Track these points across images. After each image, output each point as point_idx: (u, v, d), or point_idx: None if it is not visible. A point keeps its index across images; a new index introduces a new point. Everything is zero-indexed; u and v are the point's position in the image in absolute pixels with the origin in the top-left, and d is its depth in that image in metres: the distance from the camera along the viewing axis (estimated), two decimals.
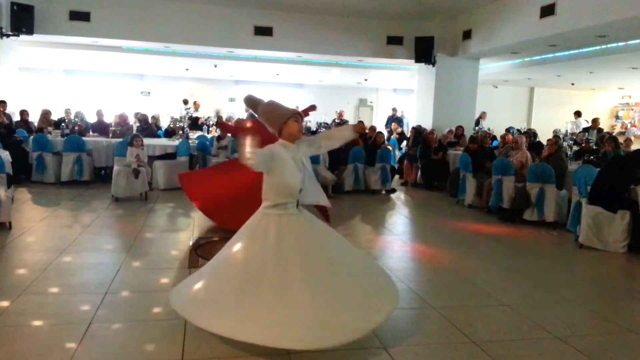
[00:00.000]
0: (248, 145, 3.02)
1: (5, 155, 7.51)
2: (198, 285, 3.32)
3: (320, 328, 3.00)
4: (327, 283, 3.16)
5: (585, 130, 12.54)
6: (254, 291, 3.08)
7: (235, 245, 3.35)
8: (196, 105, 14.73)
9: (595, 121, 13.38)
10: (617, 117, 20.50)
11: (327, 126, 13.40)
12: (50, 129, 10.59)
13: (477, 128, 12.89)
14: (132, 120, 12.02)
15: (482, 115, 15.32)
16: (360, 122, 3.83)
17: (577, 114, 14.83)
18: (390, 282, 3.64)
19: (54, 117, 11.79)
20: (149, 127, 11.43)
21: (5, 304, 3.83)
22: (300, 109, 4.47)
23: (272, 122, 3.41)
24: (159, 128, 12.73)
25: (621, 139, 11.19)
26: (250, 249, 3.28)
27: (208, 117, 13.86)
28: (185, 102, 15.33)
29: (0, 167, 6.12)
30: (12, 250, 5.39)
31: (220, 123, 7.37)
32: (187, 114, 13.42)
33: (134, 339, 3.39)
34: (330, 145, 3.62)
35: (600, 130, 12.84)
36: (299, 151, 3.36)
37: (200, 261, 5.05)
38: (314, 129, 13.19)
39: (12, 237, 5.77)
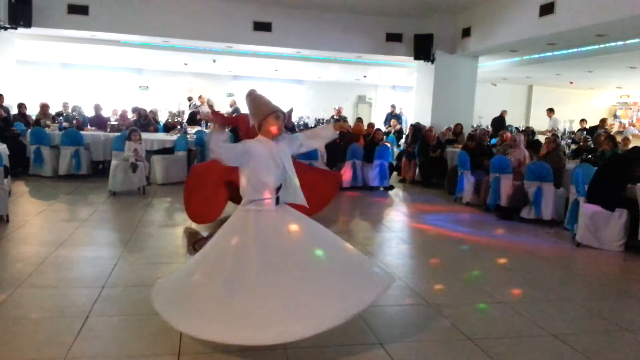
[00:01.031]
0: (218, 140, 3.10)
1: (3, 148, 7.48)
2: (179, 287, 3.28)
3: (299, 319, 2.95)
4: (305, 278, 3.08)
5: (593, 130, 12.50)
6: (232, 291, 3.03)
7: (216, 244, 3.32)
8: (202, 100, 14.71)
9: (603, 121, 13.39)
10: (615, 116, 20.54)
11: (324, 122, 13.40)
12: (48, 122, 10.56)
13: (513, 129, 12.69)
14: (129, 115, 11.99)
15: (504, 113, 15.32)
16: (340, 122, 3.79)
17: (551, 110, 14.87)
18: (377, 272, 3.50)
19: (52, 110, 11.76)
20: (148, 122, 11.35)
21: (2, 297, 3.83)
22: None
23: (253, 115, 3.43)
24: (157, 122, 12.69)
25: (619, 138, 11.21)
26: (229, 247, 3.22)
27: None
28: (190, 98, 15.33)
29: None
30: (9, 243, 5.38)
31: (215, 112, 7.41)
32: (195, 108, 13.40)
33: (131, 333, 3.39)
34: (311, 145, 3.62)
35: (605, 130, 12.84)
36: (277, 148, 3.28)
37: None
38: (313, 125, 13.18)
39: (9, 231, 5.76)
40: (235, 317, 2.94)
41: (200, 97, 14.97)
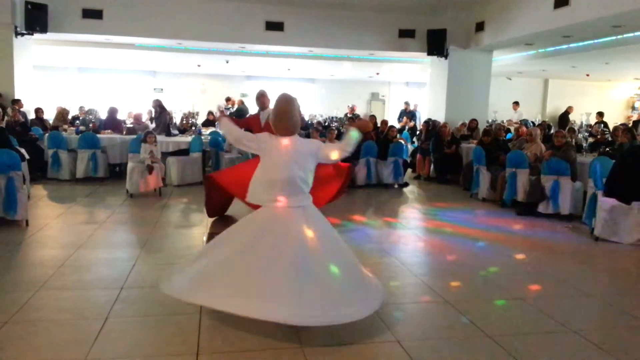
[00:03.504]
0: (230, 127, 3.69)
1: (23, 152, 7.58)
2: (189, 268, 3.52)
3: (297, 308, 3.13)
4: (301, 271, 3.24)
5: None
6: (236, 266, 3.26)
7: (231, 231, 3.59)
8: (232, 102, 14.85)
9: None
10: (633, 108, 20.23)
11: (338, 121, 13.39)
12: (65, 126, 10.70)
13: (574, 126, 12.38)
14: (144, 117, 12.07)
15: (570, 109, 15.10)
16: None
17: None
18: (374, 287, 3.63)
19: (69, 115, 11.91)
20: (163, 113, 11.25)
21: (23, 299, 3.89)
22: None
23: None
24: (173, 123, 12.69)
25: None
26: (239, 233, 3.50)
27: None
28: (228, 99, 15.49)
29: (17, 165, 6.18)
30: (29, 246, 5.47)
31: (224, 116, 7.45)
32: (229, 111, 13.52)
33: (150, 334, 3.42)
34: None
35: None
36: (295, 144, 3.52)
37: None
38: (326, 124, 13.18)
39: (29, 234, 5.85)
40: (247, 289, 3.16)
41: (230, 99, 15.12)
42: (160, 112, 11.10)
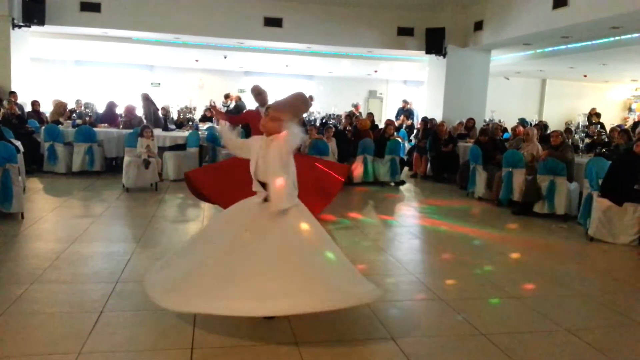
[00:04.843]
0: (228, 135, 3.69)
1: (18, 144, 7.56)
2: (176, 274, 3.41)
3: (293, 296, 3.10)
4: (279, 264, 3.21)
5: None
6: (232, 267, 3.19)
7: (208, 227, 3.68)
8: (231, 98, 14.81)
9: None
10: (630, 110, 20.28)
11: (336, 118, 13.37)
12: (62, 119, 10.66)
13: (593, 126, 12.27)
14: (140, 112, 12.01)
15: (592, 111, 15.12)
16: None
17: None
18: (363, 279, 3.58)
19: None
20: (146, 105, 11.19)
21: (17, 292, 3.88)
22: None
23: None
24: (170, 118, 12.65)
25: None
26: (224, 229, 3.48)
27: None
28: (227, 96, 15.45)
29: (13, 157, 6.16)
30: (24, 239, 5.45)
31: (220, 113, 7.43)
32: (227, 107, 13.52)
33: (145, 328, 3.42)
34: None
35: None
36: (268, 146, 3.38)
37: None
38: (324, 121, 13.16)
39: (24, 227, 5.83)
40: (238, 291, 3.09)
41: (229, 96, 15.09)
42: (144, 105, 11.04)
